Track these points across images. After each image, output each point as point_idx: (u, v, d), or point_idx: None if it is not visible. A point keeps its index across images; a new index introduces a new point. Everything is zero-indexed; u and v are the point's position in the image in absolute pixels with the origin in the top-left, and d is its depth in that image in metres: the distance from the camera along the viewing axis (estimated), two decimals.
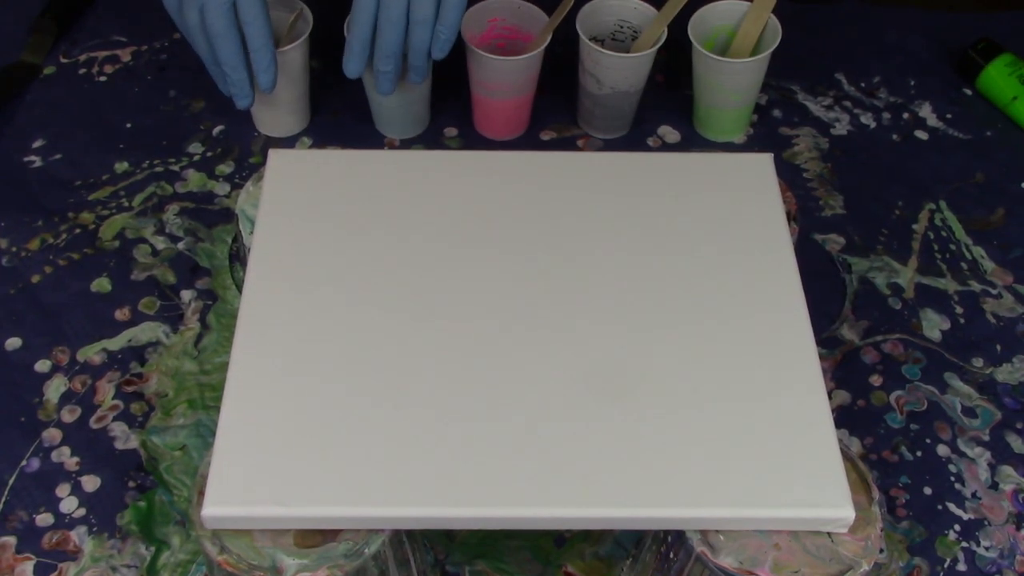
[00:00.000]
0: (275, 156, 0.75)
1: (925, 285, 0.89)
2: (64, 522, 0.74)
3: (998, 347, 0.86)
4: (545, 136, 0.98)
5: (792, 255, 0.70)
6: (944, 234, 0.93)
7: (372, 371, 0.64)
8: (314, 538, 0.59)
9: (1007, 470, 0.79)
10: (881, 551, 0.73)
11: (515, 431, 0.61)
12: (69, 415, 0.79)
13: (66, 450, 0.77)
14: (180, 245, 0.89)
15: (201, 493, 0.59)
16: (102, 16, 1.06)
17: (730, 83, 0.91)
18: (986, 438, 0.80)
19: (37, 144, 0.96)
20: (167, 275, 0.87)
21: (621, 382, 0.64)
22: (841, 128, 1.00)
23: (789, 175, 0.95)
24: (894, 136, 1.00)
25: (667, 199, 0.73)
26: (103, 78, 1.01)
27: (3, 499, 0.75)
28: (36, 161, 0.94)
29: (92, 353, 0.82)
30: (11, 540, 0.73)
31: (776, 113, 1.01)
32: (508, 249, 0.70)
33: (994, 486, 0.78)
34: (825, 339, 0.85)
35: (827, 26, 1.08)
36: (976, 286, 0.89)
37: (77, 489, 0.76)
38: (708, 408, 0.63)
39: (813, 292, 0.70)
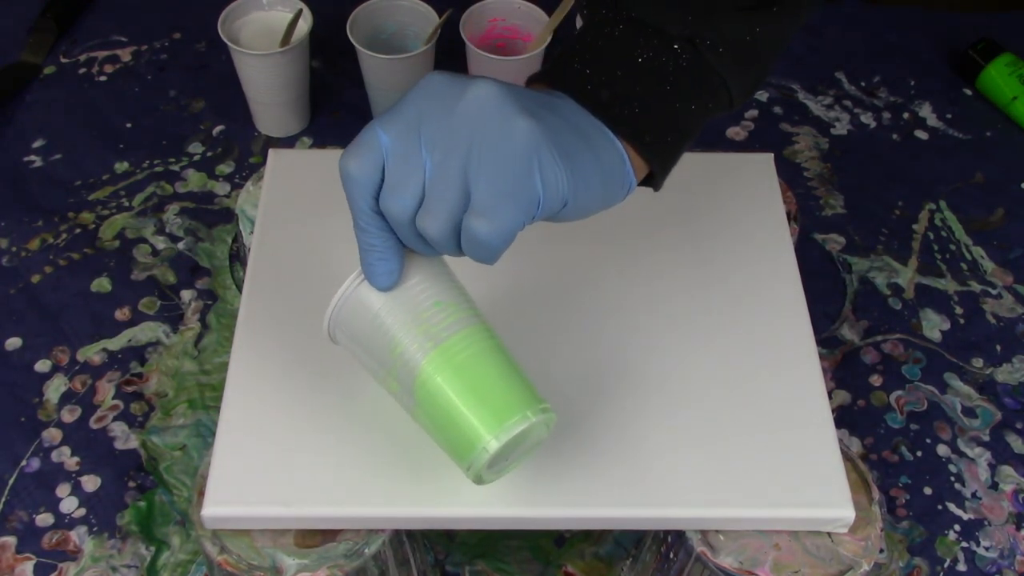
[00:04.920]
0: (275, 156, 0.75)
1: (925, 285, 0.89)
2: (64, 522, 0.74)
3: (998, 347, 0.86)
4: None
5: (792, 255, 0.70)
6: (944, 234, 0.93)
7: None
8: (314, 538, 0.59)
9: (1007, 470, 0.79)
10: (881, 551, 0.73)
11: None
12: (69, 415, 0.79)
13: (66, 450, 0.77)
14: (180, 245, 0.89)
15: (201, 493, 0.59)
16: (102, 16, 1.06)
17: None
18: (986, 438, 0.80)
19: (37, 144, 0.96)
20: (167, 275, 0.87)
21: (620, 382, 0.64)
22: (841, 128, 1.00)
23: (789, 174, 0.95)
24: (894, 136, 1.00)
25: (667, 199, 0.73)
26: (103, 78, 1.01)
27: (3, 499, 0.75)
28: (36, 161, 0.94)
29: (92, 353, 0.82)
30: (11, 540, 0.73)
31: (776, 112, 1.01)
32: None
33: (994, 486, 0.78)
34: (825, 339, 0.85)
35: (827, 26, 1.08)
36: (976, 286, 0.89)
37: (77, 489, 0.76)
38: (708, 408, 0.63)
39: (813, 292, 0.70)
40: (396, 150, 0.50)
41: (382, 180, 0.51)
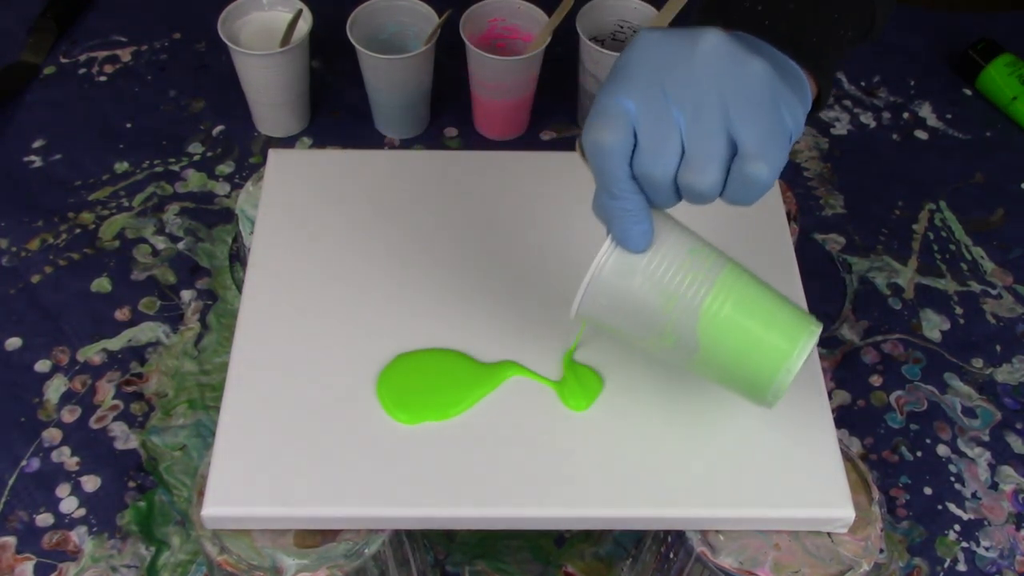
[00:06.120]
0: (275, 156, 0.75)
1: (925, 285, 0.89)
2: (64, 522, 0.74)
3: (998, 347, 0.86)
4: (545, 136, 0.98)
5: (792, 255, 0.70)
6: (944, 234, 0.93)
7: (372, 371, 0.64)
8: (314, 538, 0.59)
9: (1007, 470, 0.79)
10: (881, 551, 0.73)
11: (515, 431, 0.61)
12: (69, 415, 0.79)
13: (66, 450, 0.77)
14: (180, 245, 0.89)
15: (201, 493, 0.59)
16: (102, 16, 1.06)
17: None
18: (986, 438, 0.80)
19: (37, 144, 0.96)
20: (167, 275, 0.87)
21: (620, 382, 0.64)
22: (841, 128, 1.00)
23: (789, 175, 0.95)
24: (894, 136, 1.00)
25: None
26: (103, 78, 1.01)
27: (3, 499, 0.75)
28: (36, 161, 0.94)
29: (92, 353, 0.82)
30: (11, 540, 0.73)
31: None
32: (508, 249, 0.70)
33: (994, 486, 0.78)
34: (825, 339, 0.85)
35: None
36: (976, 286, 0.89)
37: (77, 489, 0.75)
38: (708, 408, 0.63)
39: (813, 292, 0.70)
40: (645, 114, 0.50)
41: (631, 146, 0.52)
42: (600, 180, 0.53)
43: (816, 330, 0.56)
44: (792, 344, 0.55)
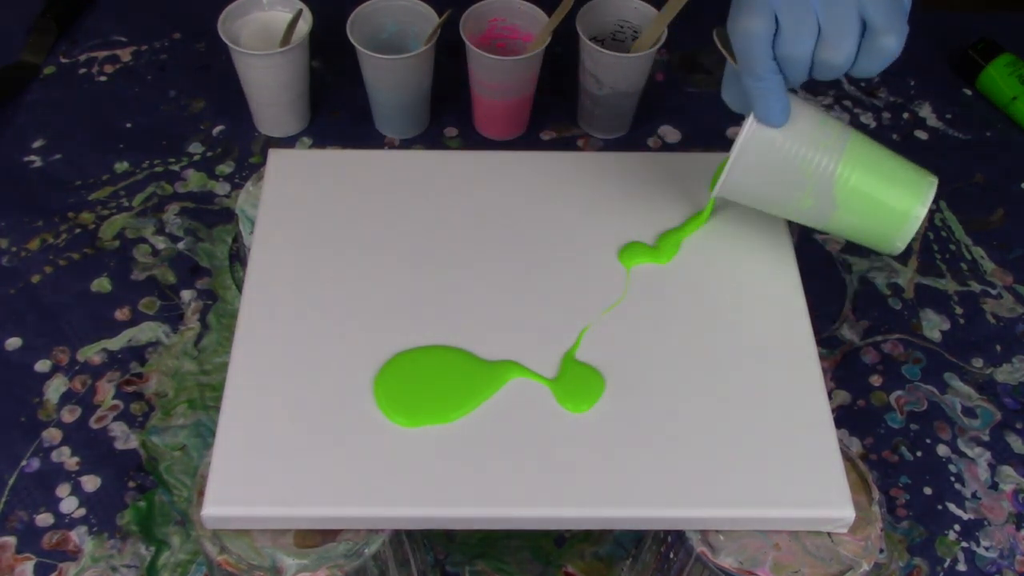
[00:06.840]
0: (275, 156, 0.75)
1: (925, 285, 0.89)
2: (64, 522, 0.74)
3: (998, 347, 0.86)
4: (545, 136, 0.98)
5: (792, 255, 0.70)
6: (944, 234, 0.93)
7: (372, 370, 0.64)
8: (314, 538, 0.59)
9: (1007, 470, 0.79)
10: (881, 551, 0.73)
11: (515, 431, 0.61)
12: (69, 415, 0.79)
13: (66, 450, 0.77)
14: (180, 245, 0.89)
15: (201, 493, 0.59)
16: (102, 16, 1.06)
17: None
18: (986, 438, 0.81)
19: (37, 144, 0.96)
20: (167, 275, 0.87)
21: (620, 382, 0.64)
22: None
23: None
24: (894, 136, 1.00)
25: (667, 199, 0.73)
26: (103, 78, 1.01)
27: (3, 499, 0.75)
28: (36, 161, 0.94)
29: (92, 353, 0.82)
30: (11, 540, 0.73)
31: None
32: (508, 249, 0.70)
33: (994, 486, 0.78)
34: (825, 339, 0.85)
35: None
36: (976, 286, 0.89)
37: (77, 489, 0.76)
38: (708, 408, 0.63)
39: (813, 292, 0.70)
40: (786, 1, 0.57)
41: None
42: (745, 64, 0.60)
43: (934, 181, 0.64)
44: (916, 198, 0.63)
